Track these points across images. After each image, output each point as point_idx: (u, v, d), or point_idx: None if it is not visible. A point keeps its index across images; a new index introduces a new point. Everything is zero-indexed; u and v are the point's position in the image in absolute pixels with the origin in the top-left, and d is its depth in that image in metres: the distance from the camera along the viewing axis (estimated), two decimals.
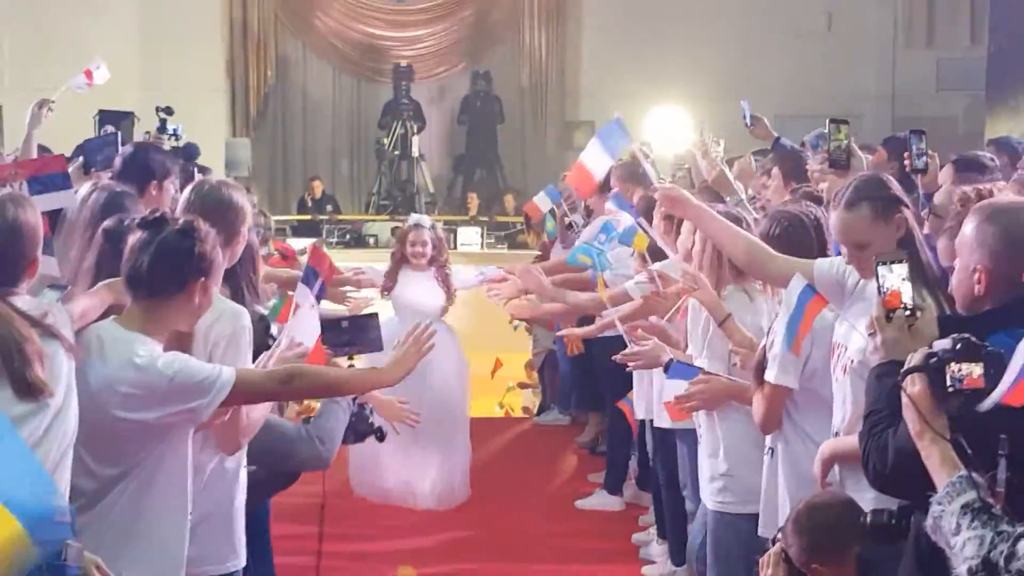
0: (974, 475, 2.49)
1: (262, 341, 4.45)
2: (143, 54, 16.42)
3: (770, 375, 4.40)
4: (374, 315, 5.70)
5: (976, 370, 2.73)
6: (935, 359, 2.79)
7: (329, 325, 6.21)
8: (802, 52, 16.15)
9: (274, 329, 4.73)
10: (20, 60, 16.23)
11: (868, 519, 3.39)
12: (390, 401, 5.41)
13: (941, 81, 16.83)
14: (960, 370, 2.75)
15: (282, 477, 5.19)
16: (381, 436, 5.12)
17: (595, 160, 5.84)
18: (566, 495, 8.68)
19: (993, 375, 2.70)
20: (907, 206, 4.09)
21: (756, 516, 4.78)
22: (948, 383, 2.74)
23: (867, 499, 3.61)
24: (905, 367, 2.90)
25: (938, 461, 2.68)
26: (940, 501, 2.61)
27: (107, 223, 4.05)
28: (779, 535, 4.03)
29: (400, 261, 8.00)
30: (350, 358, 5.45)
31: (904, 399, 2.84)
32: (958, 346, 2.79)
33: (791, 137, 8.48)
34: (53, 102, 5.64)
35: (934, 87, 16.79)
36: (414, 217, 8.61)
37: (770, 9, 16.61)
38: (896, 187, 4.18)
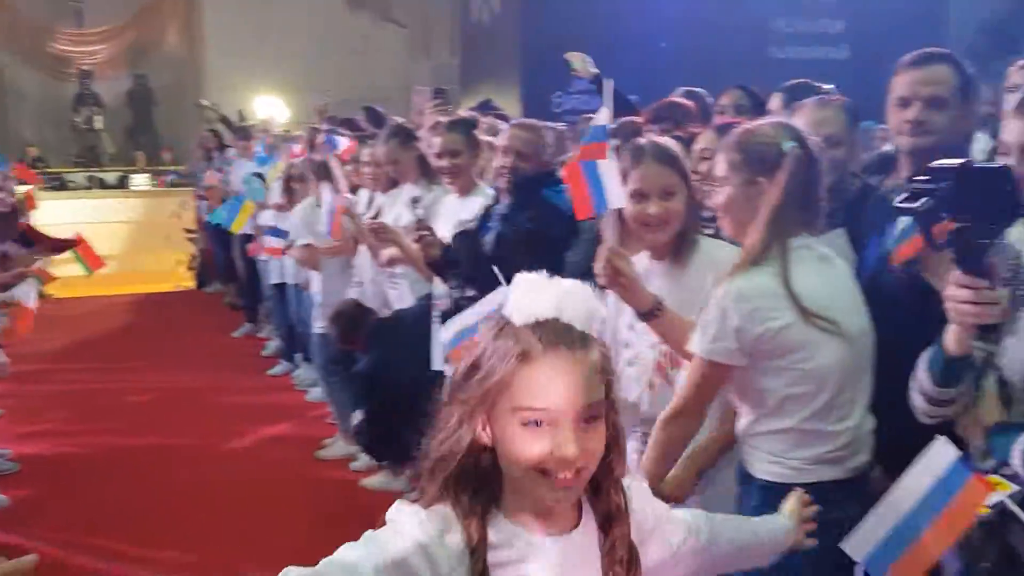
0: None
1: None
2: None
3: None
4: None
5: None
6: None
7: None
8: (346, 63, 16.12)
9: None
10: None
11: None
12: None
13: (432, 80, 14.36)
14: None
15: None
16: None
17: None
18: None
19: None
20: None
21: None
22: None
23: None
24: None
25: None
26: None
27: None
28: None
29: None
30: None
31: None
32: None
33: (338, 112, 8.88)
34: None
35: (426, 84, 14.32)
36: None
37: (333, 37, 16.36)
38: None
